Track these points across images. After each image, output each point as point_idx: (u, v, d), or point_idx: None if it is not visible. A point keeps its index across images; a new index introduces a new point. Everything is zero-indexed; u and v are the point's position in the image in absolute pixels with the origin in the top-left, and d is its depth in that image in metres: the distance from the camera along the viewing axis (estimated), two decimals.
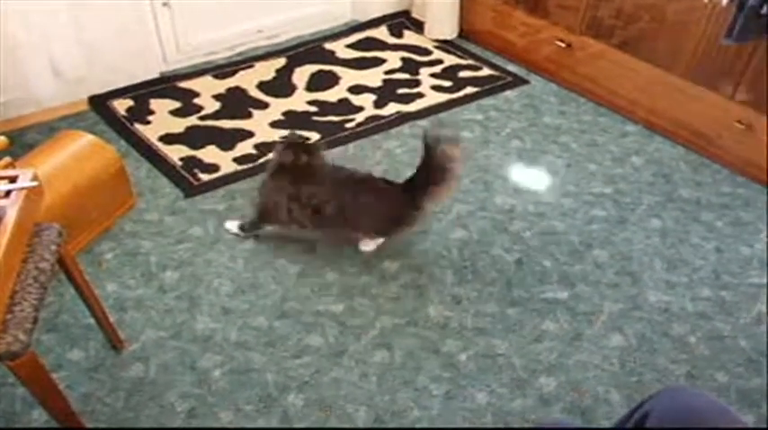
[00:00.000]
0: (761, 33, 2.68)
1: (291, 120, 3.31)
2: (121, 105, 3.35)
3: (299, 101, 3.45)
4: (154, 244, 2.63)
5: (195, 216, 2.75)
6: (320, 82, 3.60)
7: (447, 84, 3.62)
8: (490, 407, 2.13)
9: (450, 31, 3.94)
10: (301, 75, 3.65)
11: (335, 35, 4.01)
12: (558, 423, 2.11)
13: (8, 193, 1.68)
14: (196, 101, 3.42)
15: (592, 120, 3.37)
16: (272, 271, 2.54)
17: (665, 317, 2.43)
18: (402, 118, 3.34)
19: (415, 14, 4.18)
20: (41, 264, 1.72)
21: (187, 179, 2.93)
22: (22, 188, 1.69)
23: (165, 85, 3.52)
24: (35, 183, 1.72)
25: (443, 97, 3.51)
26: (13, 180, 1.71)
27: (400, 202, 2.53)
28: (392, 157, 3.08)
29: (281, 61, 3.75)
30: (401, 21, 4.16)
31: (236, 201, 2.83)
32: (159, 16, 3.48)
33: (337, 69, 3.70)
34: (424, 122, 3.30)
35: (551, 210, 2.84)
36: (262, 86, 3.54)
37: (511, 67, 3.76)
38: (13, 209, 1.65)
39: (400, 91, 3.55)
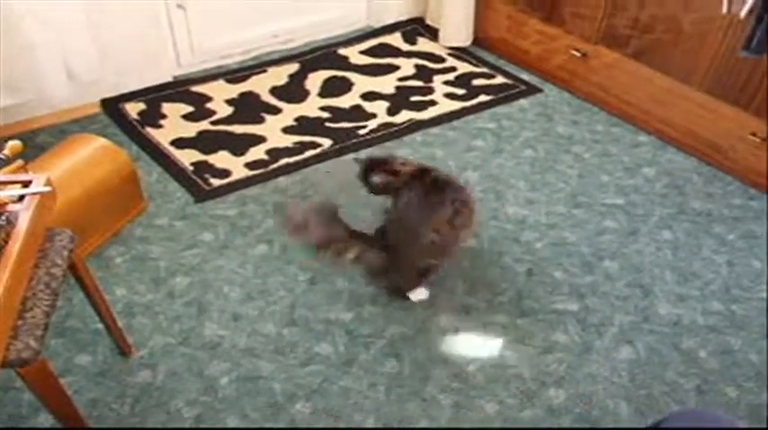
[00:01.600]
0: None
1: (304, 125, 3.31)
2: (134, 109, 3.36)
3: (312, 106, 3.45)
4: (164, 249, 2.63)
5: (206, 221, 2.76)
6: (333, 88, 3.60)
7: (460, 92, 3.61)
8: (499, 418, 2.12)
9: (464, 39, 3.93)
10: (314, 80, 3.65)
11: (349, 41, 4.01)
12: None
13: (21, 198, 1.68)
14: (208, 105, 3.42)
15: (605, 131, 3.36)
16: (281, 277, 2.54)
17: (675, 330, 2.41)
18: (415, 125, 3.34)
19: (429, 21, 4.17)
20: (53, 270, 1.72)
21: (198, 184, 2.93)
22: (36, 193, 1.69)
23: (178, 88, 3.53)
24: (48, 189, 1.72)
25: (456, 105, 3.51)
26: (26, 185, 1.71)
27: None
28: None
29: (295, 66, 3.75)
30: (415, 28, 4.15)
31: (247, 206, 2.83)
32: (174, 19, 3.49)
33: (351, 75, 3.70)
34: (436, 130, 3.30)
35: (563, 220, 2.83)
36: (275, 91, 3.54)
37: (524, 76, 3.75)
38: (25, 214, 1.64)
39: (413, 98, 3.54)
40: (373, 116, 3.40)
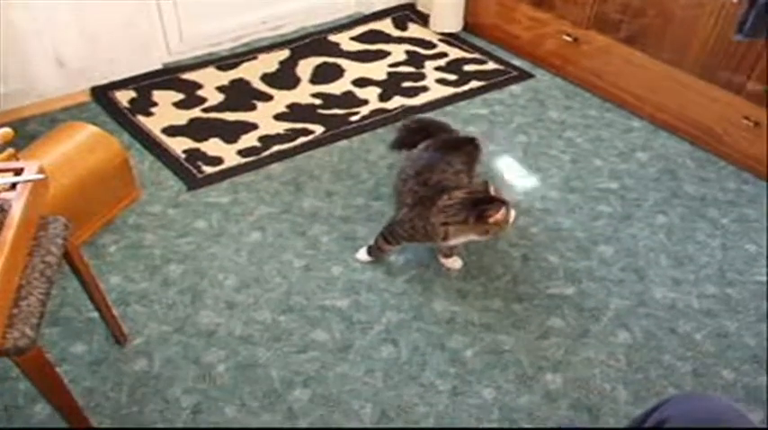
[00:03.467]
0: None
1: (296, 112, 3.29)
2: (124, 97, 3.33)
3: (304, 93, 3.43)
4: (157, 237, 2.61)
5: (199, 209, 2.74)
6: (325, 74, 3.58)
7: (452, 77, 3.60)
8: (496, 404, 2.12)
9: (455, 25, 3.92)
10: (305, 67, 3.63)
11: (340, 27, 3.99)
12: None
13: (14, 186, 1.67)
14: (199, 92, 3.40)
15: (597, 116, 3.35)
16: (277, 264, 2.53)
17: (671, 314, 2.42)
18: (407, 111, 3.32)
19: (419, 7, 4.16)
20: (48, 258, 1.70)
21: (191, 172, 2.91)
22: (28, 181, 1.68)
23: (168, 76, 3.50)
24: (41, 176, 1.70)
25: (448, 91, 3.49)
26: (18, 172, 1.70)
27: None
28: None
29: (285, 53, 3.73)
30: (406, 13, 4.14)
31: (240, 194, 2.81)
32: (163, 6, 3.46)
33: (342, 62, 3.68)
34: (429, 116, 3.29)
35: (557, 205, 2.83)
36: (266, 78, 3.52)
37: (516, 61, 3.74)
38: (18, 202, 1.63)
39: (405, 84, 3.53)
40: (365, 102, 3.39)
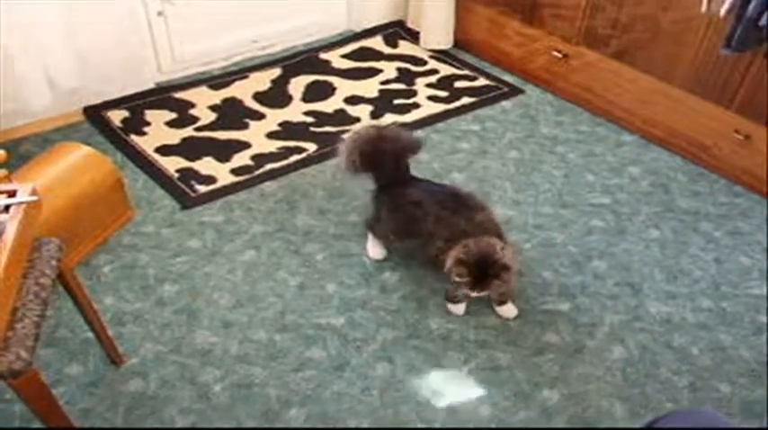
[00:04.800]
0: (759, 43, 2.68)
1: (288, 130, 3.30)
2: (116, 116, 3.33)
3: (296, 111, 3.43)
4: (152, 257, 2.61)
5: (193, 228, 2.74)
6: (316, 92, 3.59)
7: (443, 94, 3.61)
8: (494, 421, 2.11)
9: (445, 41, 3.93)
10: (297, 85, 3.64)
11: (331, 45, 4.00)
12: None
13: (7, 208, 1.66)
14: (192, 112, 3.40)
15: (588, 130, 3.37)
16: (271, 283, 2.52)
17: (666, 328, 2.42)
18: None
19: (410, 24, 4.17)
20: (42, 280, 1.70)
21: (184, 191, 2.91)
22: (21, 203, 1.67)
23: (161, 95, 3.50)
24: (34, 198, 1.70)
25: (440, 107, 3.50)
26: (11, 194, 1.69)
27: None
28: None
29: (277, 71, 3.74)
30: (396, 30, 4.15)
31: (233, 212, 2.81)
32: (154, 26, 3.47)
33: (333, 80, 3.69)
34: (420, 133, 3.30)
35: (550, 221, 2.84)
36: (258, 97, 3.53)
37: (507, 77, 3.75)
38: (12, 224, 1.63)
39: (396, 101, 3.54)
40: (357, 120, 3.39)
